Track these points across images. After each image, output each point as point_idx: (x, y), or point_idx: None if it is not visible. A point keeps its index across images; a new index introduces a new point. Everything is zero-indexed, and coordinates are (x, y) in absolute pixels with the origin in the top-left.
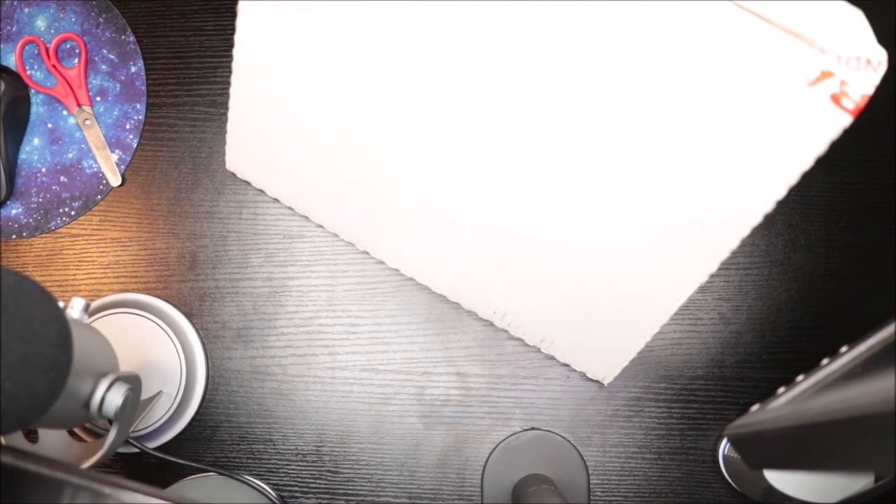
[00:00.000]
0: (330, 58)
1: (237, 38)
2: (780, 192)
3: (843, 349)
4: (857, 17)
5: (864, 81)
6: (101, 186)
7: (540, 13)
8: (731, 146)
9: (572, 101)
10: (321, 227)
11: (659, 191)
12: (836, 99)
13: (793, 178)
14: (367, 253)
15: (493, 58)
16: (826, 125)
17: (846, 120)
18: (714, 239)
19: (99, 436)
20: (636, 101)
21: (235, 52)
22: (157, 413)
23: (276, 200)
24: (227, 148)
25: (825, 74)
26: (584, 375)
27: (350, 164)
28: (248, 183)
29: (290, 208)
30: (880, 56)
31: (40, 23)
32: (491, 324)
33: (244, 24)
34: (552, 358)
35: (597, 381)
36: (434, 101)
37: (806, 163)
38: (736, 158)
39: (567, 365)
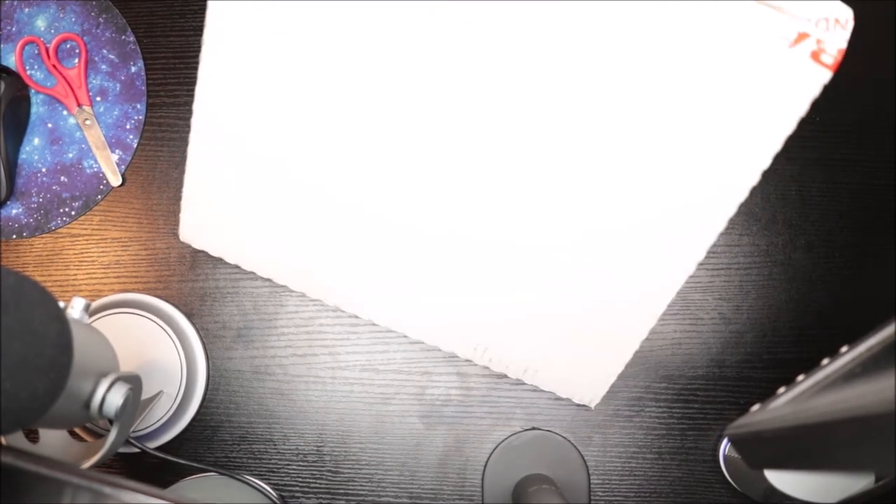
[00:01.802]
0: (293, 104)
1: (198, 88)
2: (766, 162)
3: (844, 349)
4: None
5: (838, 38)
6: (102, 186)
7: (512, 20)
8: (718, 118)
9: (547, 117)
10: (286, 286)
11: (639, 189)
12: (815, 56)
13: (777, 144)
14: (338, 309)
15: (457, 88)
16: (808, 82)
17: (826, 75)
18: (692, 234)
19: (99, 436)
20: (623, 92)
21: (195, 106)
22: (158, 413)
23: (236, 266)
24: (182, 216)
25: (802, 36)
26: (569, 401)
27: (313, 223)
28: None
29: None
30: (847, 14)
31: (40, 23)
32: None
33: (207, 67)
34: (536, 389)
35: (584, 406)
36: (398, 141)
37: (790, 125)
38: (722, 131)
39: (552, 392)
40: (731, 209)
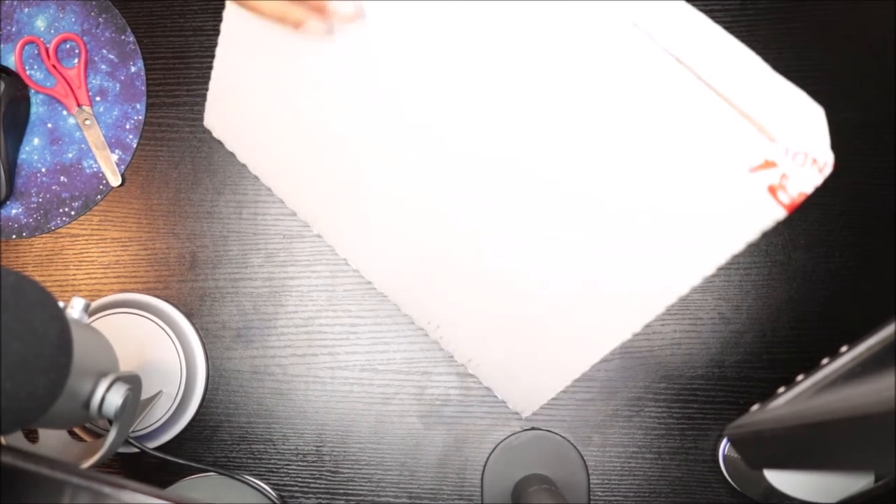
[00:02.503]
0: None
1: None
2: (709, 271)
3: (843, 349)
4: (818, 113)
5: (805, 179)
6: (101, 186)
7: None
8: (680, 210)
9: (537, 126)
10: (282, 201)
11: (603, 239)
12: (772, 191)
13: (723, 258)
14: (319, 236)
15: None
16: (760, 214)
17: (780, 213)
18: (640, 301)
19: (99, 436)
20: (600, 142)
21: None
22: (157, 413)
23: (251, 170)
24: (207, 103)
25: (768, 164)
26: (504, 405)
27: (321, 145)
28: (245, 170)
29: (282, 202)
30: (827, 158)
31: (40, 23)
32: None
33: None
34: (476, 381)
35: (515, 413)
36: (410, 103)
37: (738, 246)
38: (682, 224)
39: (489, 389)
40: (669, 300)
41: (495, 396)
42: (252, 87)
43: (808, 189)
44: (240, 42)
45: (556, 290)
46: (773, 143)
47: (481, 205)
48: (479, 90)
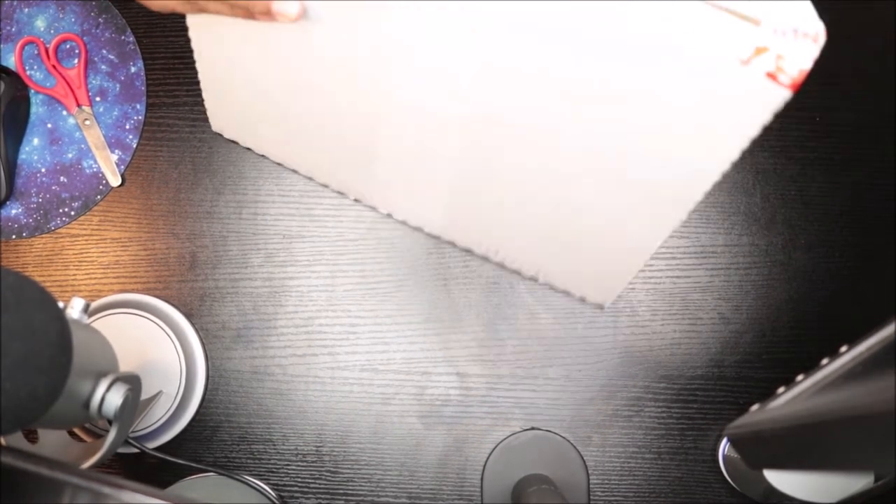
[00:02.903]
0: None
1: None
2: (735, 154)
3: (843, 349)
4: None
5: (802, 54)
6: (101, 186)
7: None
8: (688, 110)
9: (553, 44)
10: (311, 178)
11: (637, 128)
12: (772, 76)
13: (745, 142)
14: (358, 201)
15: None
16: (765, 100)
17: (785, 94)
18: (682, 186)
19: (99, 436)
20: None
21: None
22: (157, 413)
23: (272, 159)
24: (207, 107)
25: (759, 50)
26: (583, 300)
27: (331, 106)
28: (240, 145)
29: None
30: (817, 27)
31: (40, 23)
32: (491, 323)
33: None
34: (551, 287)
35: (597, 305)
36: (416, 30)
37: (754, 130)
38: (694, 122)
39: (566, 291)
40: (707, 183)
41: (497, 396)
42: (243, 78)
43: (808, 64)
44: (213, 43)
45: (597, 184)
46: (758, 26)
47: (511, 120)
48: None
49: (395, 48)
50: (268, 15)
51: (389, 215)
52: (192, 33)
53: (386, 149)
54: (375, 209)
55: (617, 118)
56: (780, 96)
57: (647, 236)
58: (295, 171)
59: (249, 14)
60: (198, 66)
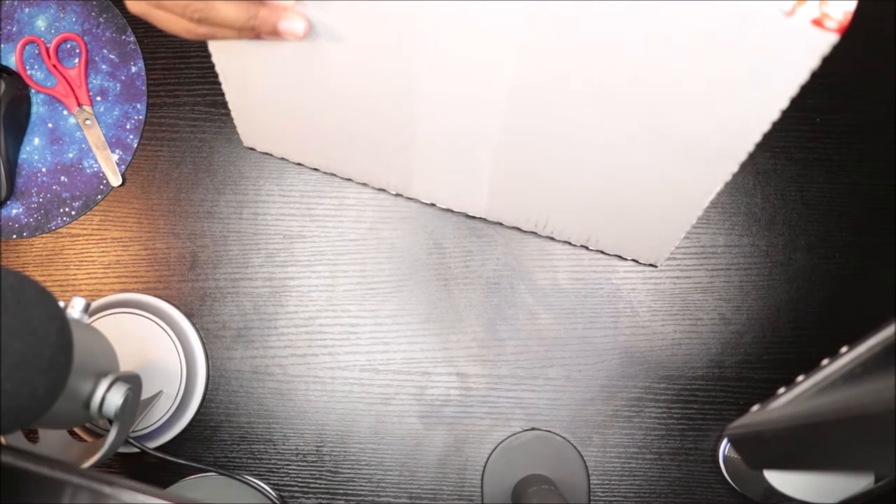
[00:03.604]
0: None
1: None
2: (784, 103)
3: (843, 349)
4: None
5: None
6: (102, 186)
7: None
8: (733, 66)
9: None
10: (350, 180)
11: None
12: (817, 23)
13: (794, 89)
14: (400, 195)
15: None
16: (812, 47)
17: (832, 39)
18: (728, 138)
19: (99, 436)
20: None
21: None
22: (158, 413)
23: (308, 165)
24: (237, 125)
25: (802, 1)
26: (635, 262)
27: (364, 104)
28: (264, 158)
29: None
30: None
31: (41, 23)
32: (491, 323)
33: None
34: (602, 252)
35: (650, 266)
36: (439, 13)
37: (803, 76)
38: (740, 75)
39: (619, 255)
40: (756, 133)
41: (497, 397)
42: (271, 92)
43: (852, 4)
44: (237, 63)
45: (643, 144)
46: None
47: (550, 90)
48: None
49: (427, 34)
50: (275, 34)
51: (433, 205)
52: (215, 58)
53: (425, 138)
54: (418, 200)
55: (661, 79)
56: (827, 41)
57: (698, 192)
58: (333, 175)
59: (257, 35)
60: (224, 87)
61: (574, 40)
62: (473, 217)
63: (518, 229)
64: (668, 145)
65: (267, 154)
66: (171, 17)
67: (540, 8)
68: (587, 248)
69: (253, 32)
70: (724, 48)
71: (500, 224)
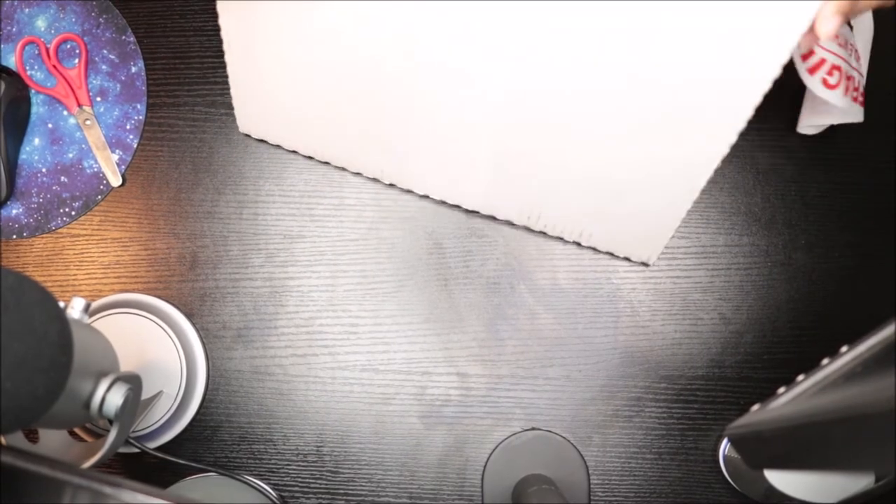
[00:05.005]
0: None
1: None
2: (776, 72)
3: (844, 349)
4: None
5: None
6: (102, 186)
7: None
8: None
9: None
10: (345, 169)
11: (669, 60)
12: None
13: (786, 55)
14: (393, 185)
15: None
16: (800, 14)
17: (817, 4)
18: (720, 110)
19: (99, 436)
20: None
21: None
22: (158, 413)
23: (293, 152)
24: (236, 111)
25: None
26: (627, 259)
27: (360, 95)
28: (263, 143)
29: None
30: None
31: (40, 23)
32: (491, 323)
33: None
34: (594, 249)
35: (641, 265)
36: (440, 8)
37: (794, 40)
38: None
39: (610, 253)
40: (756, 94)
41: (497, 396)
42: (272, 68)
43: None
44: (243, 33)
45: (631, 137)
46: None
47: (545, 86)
48: None
49: (425, 25)
50: None
51: (426, 196)
52: (222, 20)
53: (421, 129)
54: (412, 191)
55: (646, 70)
56: (814, 6)
57: (685, 186)
58: (327, 163)
59: None
60: (227, 57)
61: (568, 31)
62: (473, 216)
63: (518, 227)
64: (655, 136)
65: (262, 141)
66: None
67: (534, 6)
68: (579, 244)
69: None
70: (711, 21)
71: (495, 218)
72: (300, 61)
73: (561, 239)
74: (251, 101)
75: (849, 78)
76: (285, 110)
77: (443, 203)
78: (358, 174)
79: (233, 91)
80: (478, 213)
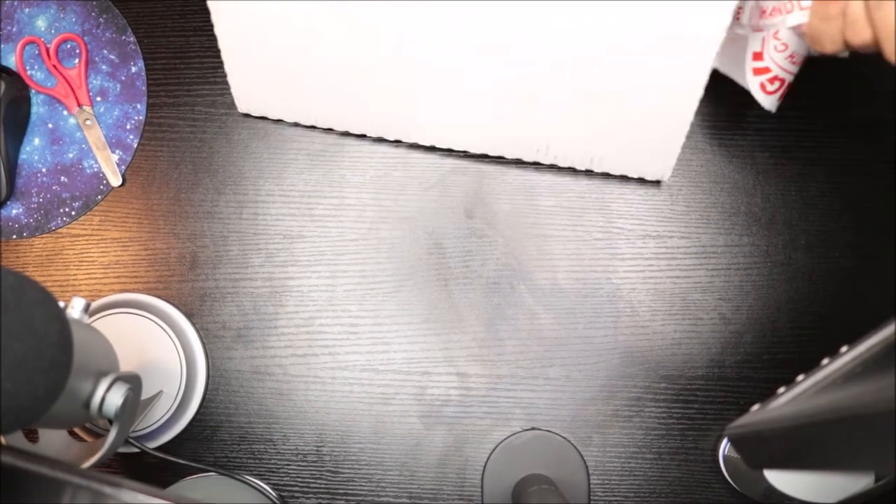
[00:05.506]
0: None
1: None
2: None
3: (843, 349)
4: None
5: None
6: (102, 186)
7: None
8: None
9: None
10: (347, 132)
11: None
12: None
13: None
14: (399, 142)
15: None
16: None
17: None
18: (703, 22)
19: (99, 436)
20: None
21: None
22: (158, 413)
23: (295, 124)
24: (233, 90)
25: None
26: (641, 180)
27: (358, 51)
28: (264, 118)
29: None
30: None
31: (41, 23)
32: (491, 323)
33: None
34: (607, 175)
35: (654, 184)
36: None
37: None
38: None
39: (624, 176)
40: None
41: (497, 396)
42: (266, 37)
43: None
44: (232, 8)
45: (626, 54)
46: None
47: (539, 20)
48: None
49: None
50: None
51: (433, 147)
52: (212, 5)
53: (421, 78)
54: (418, 145)
55: None
56: None
57: (685, 91)
58: (330, 130)
59: None
60: (217, 30)
61: None
62: (473, 217)
63: (518, 228)
64: (647, 48)
65: (263, 118)
66: None
67: None
68: (592, 171)
69: None
70: None
71: (503, 160)
72: (293, 26)
73: (561, 238)
74: (247, 77)
75: (787, 84)
76: (283, 80)
77: (450, 152)
78: (361, 136)
79: (227, 68)
80: (486, 155)
